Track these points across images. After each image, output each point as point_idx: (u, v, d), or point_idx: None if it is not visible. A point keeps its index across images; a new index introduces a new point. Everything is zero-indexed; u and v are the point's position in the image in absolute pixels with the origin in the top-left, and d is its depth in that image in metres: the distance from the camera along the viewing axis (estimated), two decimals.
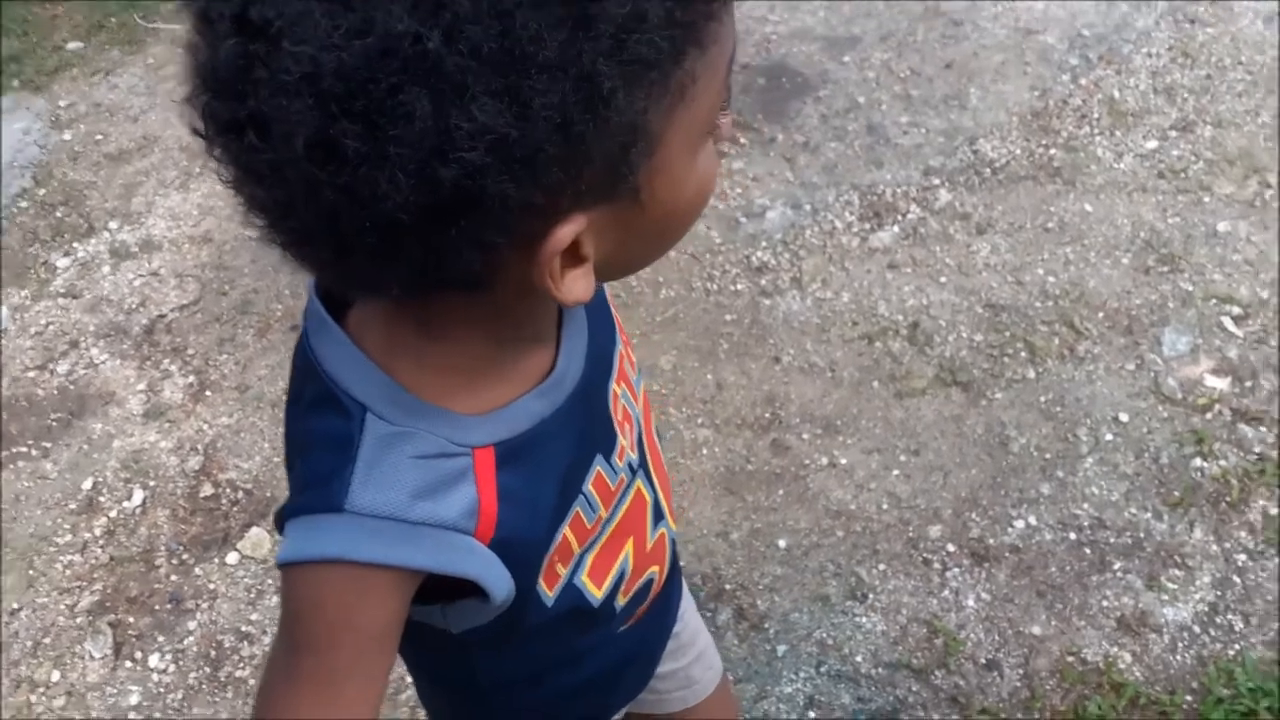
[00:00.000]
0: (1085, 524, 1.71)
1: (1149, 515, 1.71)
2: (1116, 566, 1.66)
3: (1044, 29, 2.54)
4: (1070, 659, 1.57)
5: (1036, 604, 1.63)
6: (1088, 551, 1.68)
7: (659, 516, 0.77)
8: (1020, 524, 1.72)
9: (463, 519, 0.56)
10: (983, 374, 1.91)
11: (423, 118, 0.41)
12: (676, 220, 0.55)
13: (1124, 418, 1.83)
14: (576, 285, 0.51)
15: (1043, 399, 1.86)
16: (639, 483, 0.72)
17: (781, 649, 1.60)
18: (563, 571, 0.66)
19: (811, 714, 1.54)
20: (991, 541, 1.70)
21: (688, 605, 0.99)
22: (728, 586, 1.67)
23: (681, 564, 1.68)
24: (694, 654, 1.00)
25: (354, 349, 0.56)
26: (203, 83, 0.44)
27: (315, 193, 0.43)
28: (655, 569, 0.78)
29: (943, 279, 2.06)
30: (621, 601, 0.74)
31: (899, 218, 2.19)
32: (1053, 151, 2.27)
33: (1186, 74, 2.41)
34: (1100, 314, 1.98)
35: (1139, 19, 2.55)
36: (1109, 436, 1.81)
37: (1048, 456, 1.79)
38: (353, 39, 0.40)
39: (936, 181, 2.25)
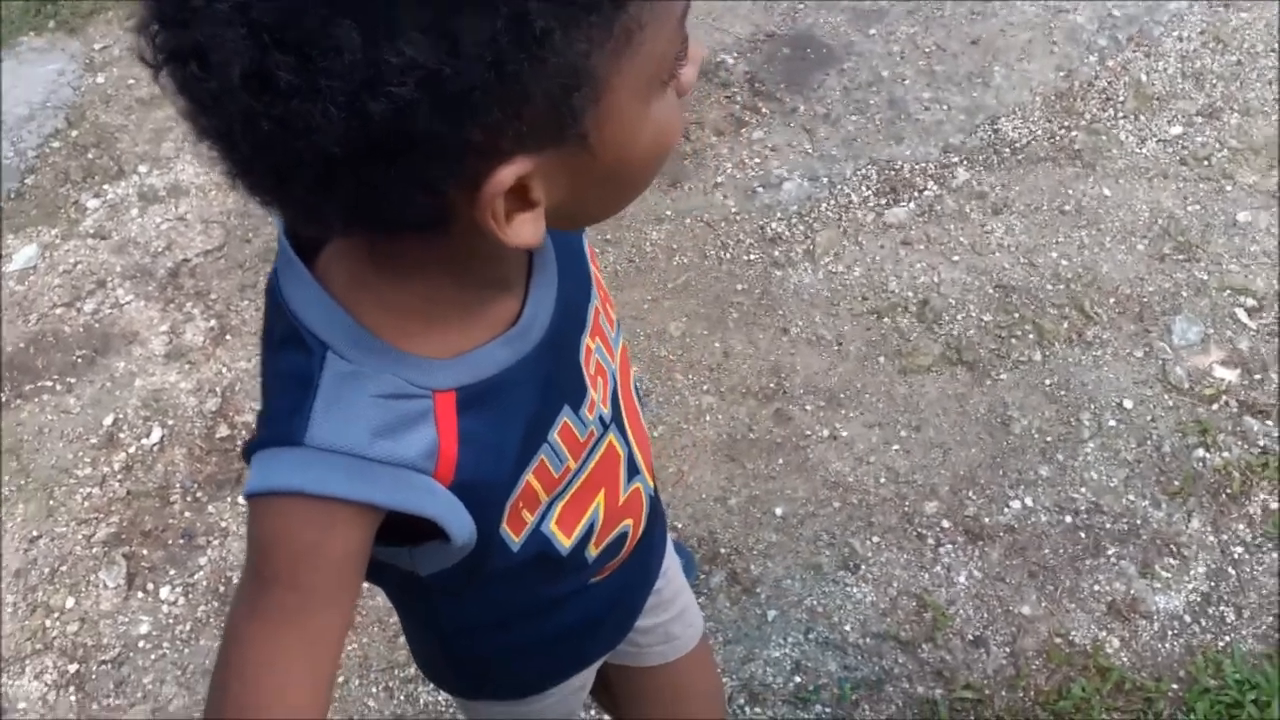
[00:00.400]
0: (1082, 508, 1.73)
1: (1147, 503, 1.72)
2: (1110, 552, 1.68)
3: (1074, 7, 2.51)
4: (1058, 640, 1.59)
5: (1028, 584, 1.65)
6: (1083, 535, 1.70)
7: (634, 471, 0.79)
8: (1017, 505, 1.73)
9: (421, 459, 0.57)
10: (989, 354, 1.91)
11: (352, 50, 0.42)
12: (632, 169, 0.55)
13: (1128, 404, 1.83)
14: (524, 229, 0.51)
15: (1048, 382, 1.87)
16: (611, 436, 0.74)
17: (772, 614, 1.63)
18: (529, 518, 0.68)
19: (797, 679, 1.57)
20: (987, 520, 1.72)
21: (671, 563, 1.02)
22: (723, 550, 1.70)
23: (679, 525, 1.72)
24: (675, 610, 1.03)
25: (318, 288, 0.57)
26: (149, 12, 0.46)
27: (252, 123, 0.44)
28: (629, 522, 0.80)
29: (955, 258, 2.07)
30: (593, 552, 0.76)
31: (915, 194, 2.18)
32: (1075, 134, 2.26)
33: (1217, 59, 2.38)
34: (1112, 299, 1.97)
35: (1172, 1, 2.52)
36: (1112, 422, 1.81)
37: (1049, 439, 1.80)
38: None
39: (955, 159, 2.24)
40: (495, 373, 0.60)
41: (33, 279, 2.25)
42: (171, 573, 1.74)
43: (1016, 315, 1.96)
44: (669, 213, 2.21)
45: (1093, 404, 1.84)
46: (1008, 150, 2.25)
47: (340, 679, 1.59)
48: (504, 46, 0.43)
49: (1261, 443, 1.78)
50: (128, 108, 2.63)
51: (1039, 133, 2.27)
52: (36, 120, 2.62)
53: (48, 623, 1.70)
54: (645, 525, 0.83)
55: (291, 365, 0.57)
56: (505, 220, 0.50)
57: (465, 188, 0.48)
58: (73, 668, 1.65)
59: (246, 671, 0.56)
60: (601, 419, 0.72)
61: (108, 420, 1.96)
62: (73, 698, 1.62)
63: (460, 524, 0.60)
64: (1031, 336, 1.93)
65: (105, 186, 2.44)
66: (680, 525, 1.73)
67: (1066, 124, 2.28)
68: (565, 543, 0.72)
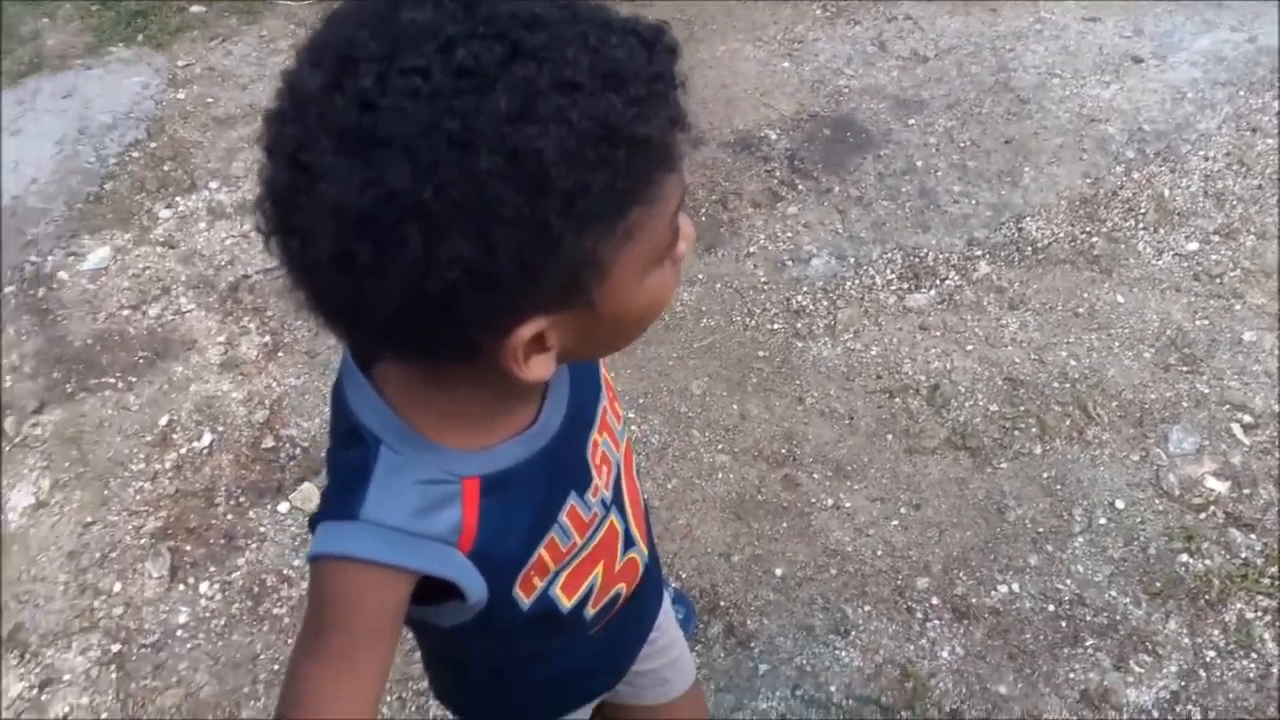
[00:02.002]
0: (1065, 599, 1.82)
1: (1128, 600, 1.81)
2: (1089, 643, 1.76)
3: (1107, 118, 2.63)
4: None
5: (1007, 665, 1.74)
6: (1064, 625, 1.79)
7: (629, 544, 0.92)
8: (1004, 589, 1.83)
9: (449, 533, 0.70)
10: (992, 443, 2.02)
11: (414, 246, 0.55)
12: (629, 323, 0.69)
13: (1120, 505, 1.93)
14: (539, 367, 0.65)
15: (1045, 475, 1.97)
16: (612, 517, 0.87)
17: (763, 668, 1.73)
18: (539, 584, 0.81)
19: None
20: (974, 600, 1.81)
21: (667, 616, 1.14)
22: (722, 603, 1.81)
23: (683, 576, 1.83)
24: (669, 658, 1.15)
25: (374, 395, 0.71)
26: (265, 192, 0.60)
27: (334, 289, 0.59)
28: (622, 586, 0.93)
29: (969, 347, 2.18)
30: (590, 611, 0.89)
31: (937, 282, 2.30)
32: (1095, 240, 2.37)
33: (1239, 181, 2.49)
34: (1114, 403, 2.08)
35: (1202, 121, 2.63)
36: (1102, 520, 1.91)
37: (1040, 530, 1.90)
38: (368, 188, 0.54)
39: (978, 253, 2.36)
40: (511, 465, 0.74)
41: (104, 279, 2.40)
42: (211, 569, 1.87)
43: (1022, 408, 2.07)
44: (701, 276, 2.34)
45: (1086, 500, 1.93)
46: (1029, 249, 2.36)
47: None
48: (528, 248, 0.56)
49: (1244, 554, 1.86)
50: (204, 125, 2.80)
51: (1061, 235, 2.38)
52: (119, 129, 2.80)
53: (95, 604, 1.83)
54: (637, 586, 0.96)
55: (352, 457, 0.71)
56: (524, 360, 0.64)
57: (492, 337, 0.62)
58: (115, 648, 1.78)
59: (306, 702, 0.69)
60: (604, 501, 0.86)
61: (163, 421, 2.10)
62: (113, 675, 1.75)
63: (474, 586, 0.73)
64: (1034, 430, 2.04)
65: (177, 198, 2.60)
66: (684, 576, 1.84)
67: (1088, 229, 2.40)
68: (566, 603, 0.85)
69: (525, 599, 0.80)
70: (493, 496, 0.72)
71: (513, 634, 0.85)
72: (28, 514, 1.97)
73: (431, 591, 0.72)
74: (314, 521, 0.71)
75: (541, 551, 0.79)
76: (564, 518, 0.80)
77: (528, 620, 0.82)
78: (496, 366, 0.64)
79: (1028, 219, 2.42)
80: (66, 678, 1.75)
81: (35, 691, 1.74)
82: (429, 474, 0.70)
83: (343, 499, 0.69)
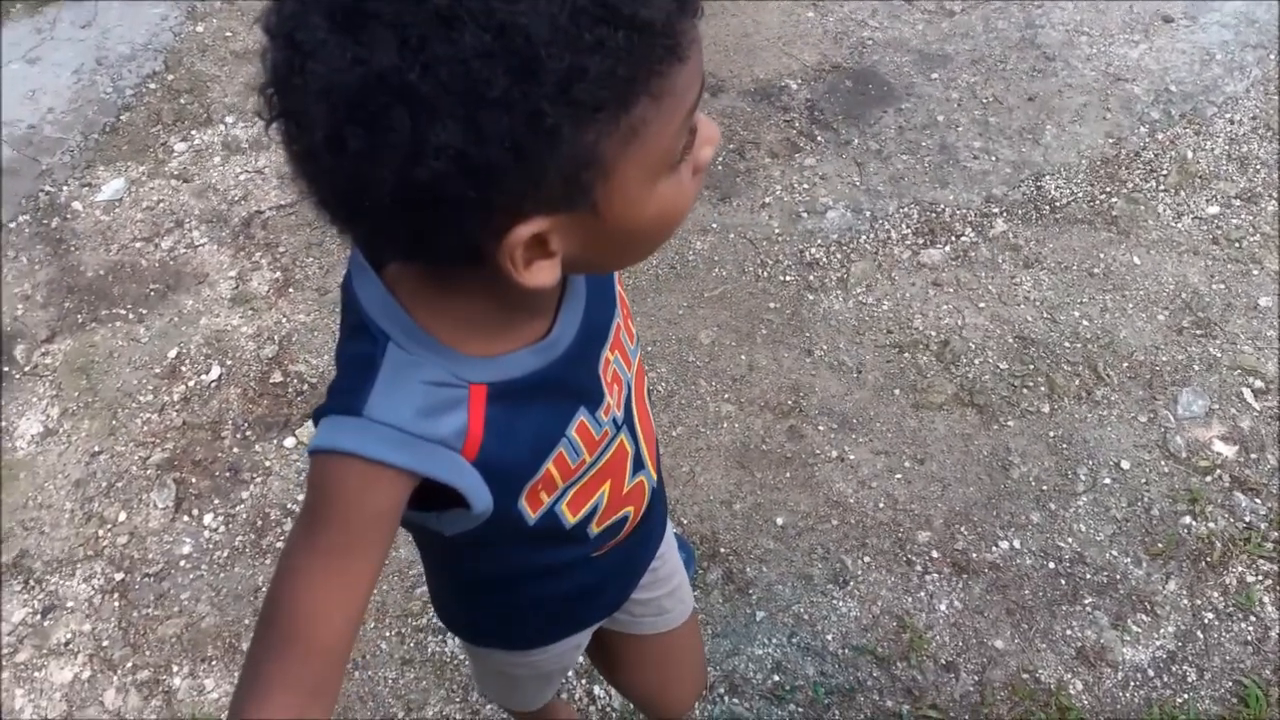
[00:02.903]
0: (1066, 557, 1.82)
1: (1129, 560, 1.81)
2: (1087, 601, 1.77)
3: (1133, 78, 2.58)
4: (1025, 676, 1.69)
5: (1004, 620, 1.75)
6: (1063, 582, 1.79)
7: (639, 466, 0.91)
8: (1004, 545, 1.83)
9: (452, 438, 0.69)
10: (1000, 400, 2.01)
11: (402, 130, 0.53)
12: (639, 235, 0.66)
13: (1125, 465, 1.92)
14: (541, 274, 0.62)
15: (1052, 434, 1.96)
16: (623, 436, 0.86)
17: (760, 615, 1.75)
18: (546, 499, 0.80)
19: (776, 677, 1.69)
20: (974, 556, 1.82)
21: (669, 546, 1.14)
22: (722, 550, 1.81)
23: (684, 522, 1.84)
24: (669, 588, 1.15)
25: (383, 290, 0.69)
26: (267, 77, 0.59)
27: (329, 174, 0.57)
28: (630, 509, 0.92)
29: (981, 304, 2.16)
30: (595, 530, 0.88)
31: (952, 239, 2.28)
32: (1114, 200, 2.34)
33: (1264, 146, 2.44)
34: (1125, 364, 2.06)
35: (1230, 84, 2.58)
36: (1107, 480, 1.90)
37: (1044, 488, 1.90)
38: (355, 65, 0.52)
39: (995, 210, 2.33)
40: (522, 375, 0.73)
41: (118, 211, 2.41)
42: (216, 502, 1.89)
43: (1031, 367, 2.06)
44: (715, 225, 2.32)
45: (1091, 460, 1.93)
46: (1047, 208, 2.33)
47: None
48: (520, 136, 0.54)
49: (1247, 518, 1.86)
50: (222, 59, 2.78)
51: (1080, 195, 2.35)
52: (137, 60, 2.78)
53: (100, 532, 1.86)
54: (645, 512, 0.96)
55: (359, 351, 0.70)
56: (525, 265, 0.62)
57: (491, 237, 0.60)
58: (118, 576, 1.80)
59: (297, 590, 0.68)
60: (615, 421, 0.84)
61: (172, 353, 2.11)
62: (116, 604, 1.77)
63: (479, 495, 0.72)
64: (1043, 389, 2.03)
65: (193, 131, 2.59)
66: (686, 522, 1.85)
67: (1108, 190, 2.36)
68: (570, 520, 0.84)
69: (531, 513, 0.79)
70: (500, 405, 0.71)
71: (516, 547, 0.84)
72: (36, 441, 1.99)
73: (435, 497, 0.71)
74: (317, 414, 0.70)
75: (550, 466, 0.77)
76: (573, 433, 0.79)
77: (531, 534, 0.81)
78: (500, 271, 0.62)
79: (1047, 177, 2.39)
80: (70, 604, 1.78)
81: (38, 617, 1.77)
82: (436, 375, 0.68)
83: (347, 394, 0.68)
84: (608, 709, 1.67)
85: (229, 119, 2.60)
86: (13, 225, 2.38)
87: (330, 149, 0.55)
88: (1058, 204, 2.34)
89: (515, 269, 0.61)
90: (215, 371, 2.08)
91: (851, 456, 1.93)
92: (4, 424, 2.02)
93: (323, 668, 0.65)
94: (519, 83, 0.53)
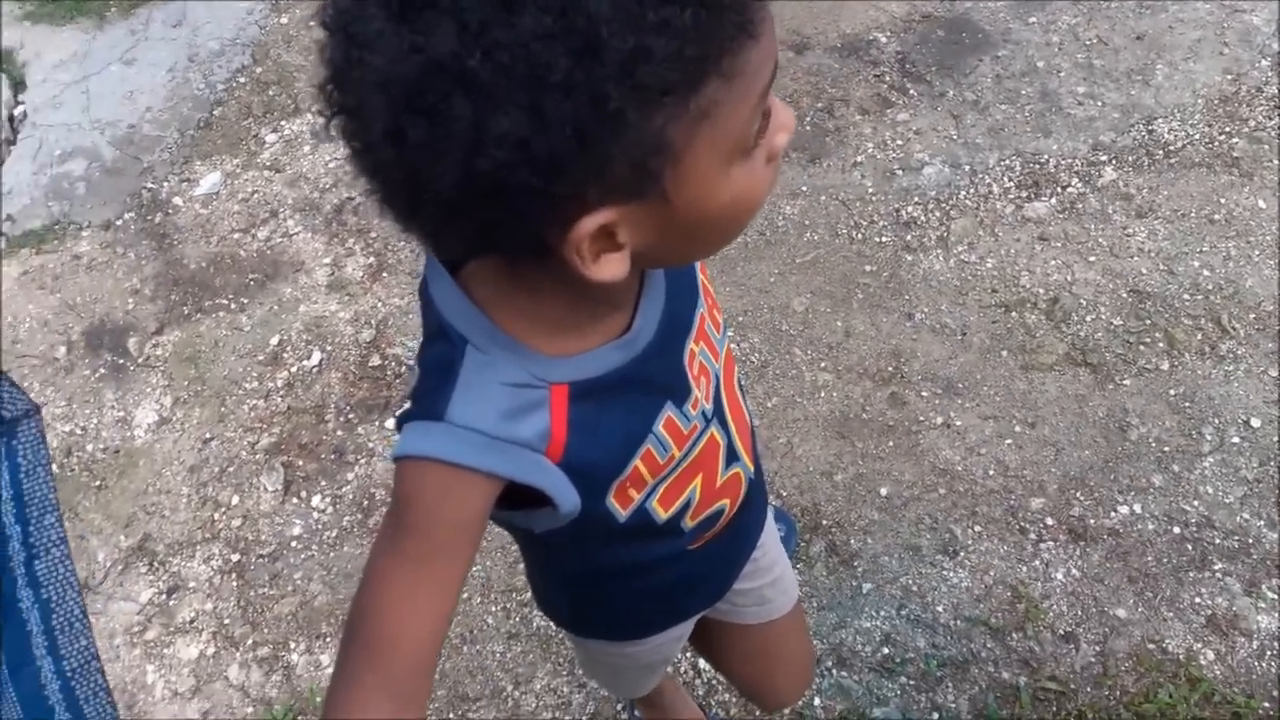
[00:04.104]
0: (1192, 521, 1.73)
1: (1262, 523, 1.71)
2: (1217, 567, 1.68)
3: (1251, 8, 2.41)
4: (1151, 646, 1.62)
5: (1126, 589, 1.68)
6: (1189, 548, 1.70)
7: (733, 458, 0.88)
8: (1124, 510, 1.75)
9: (536, 440, 0.67)
10: (1115, 358, 1.91)
11: (463, 119, 0.51)
12: (712, 224, 0.62)
13: (1255, 423, 1.81)
14: (609, 267, 0.60)
15: (1173, 392, 1.86)
16: (713, 429, 0.83)
17: (867, 587, 1.71)
18: (636, 496, 0.78)
19: (885, 650, 1.65)
20: (1092, 522, 1.74)
21: (770, 536, 1.11)
22: (825, 522, 1.77)
23: (783, 494, 1.80)
24: (770, 578, 1.12)
25: (459, 293, 0.68)
26: (325, 75, 0.57)
27: (390, 169, 0.55)
28: (725, 502, 0.89)
29: (1092, 258, 2.06)
30: (689, 524, 0.86)
31: (1058, 190, 2.17)
32: (1235, 141, 2.19)
33: None
34: (1252, 315, 1.94)
35: None
36: (1235, 439, 1.80)
37: (1166, 449, 1.80)
38: (413, 54, 0.50)
39: (1104, 158, 2.21)
40: (604, 373, 0.71)
41: (215, 204, 2.47)
42: (323, 484, 1.93)
43: (1148, 322, 1.95)
44: (804, 188, 2.26)
45: (1217, 418, 1.82)
46: (1160, 153, 2.20)
47: (464, 596, 1.74)
48: (584, 121, 0.51)
49: None
50: (306, 49, 2.82)
51: (1196, 137, 2.21)
52: (226, 55, 2.84)
53: (215, 516, 1.92)
54: (742, 504, 0.93)
55: (438, 355, 0.69)
56: (593, 258, 0.59)
57: (557, 229, 0.57)
58: (235, 557, 1.86)
59: (383, 598, 0.67)
60: (704, 414, 0.82)
61: (274, 340, 2.16)
62: (234, 584, 1.83)
63: (565, 495, 0.71)
64: (1161, 345, 1.92)
65: (282, 122, 2.63)
66: (785, 494, 1.81)
67: (1227, 130, 2.22)
68: (662, 515, 0.82)
69: (621, 511, 0.78)
70: (583, 404, 0.69)
71: (610, 545, 0.83)
72: (152, 430, 2.06)
73: (522, 496, 0.70)
74: (400, 420, 0.69)
75: (638, 463, 0.76)
76: (660, 429, 0.77)
77: (624, 530, 0.80)
78: (567, 266, 0.60)
79: (1159, 120, 2.25)
80: (191, 585, 1.84)
81: (163, 597, 1.84)
82: (516, 376, 0.67)
83: (429, 399, 0.67)
84: (714, 682, 1.65)
85: (315, 108, 2.64)
86: (119, 223, 2.46)
87: (390, 142, 0.53)
88: (1172, 148, 2.20)
89: (583, 262, 0.59)
90: (316, 357, 2.12)
91: (958, 423, 1.87)
92: (123, 414, 2.10)
93: (411, 674, 0.65)
94: (581, 66, 0.50)
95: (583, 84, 0.50)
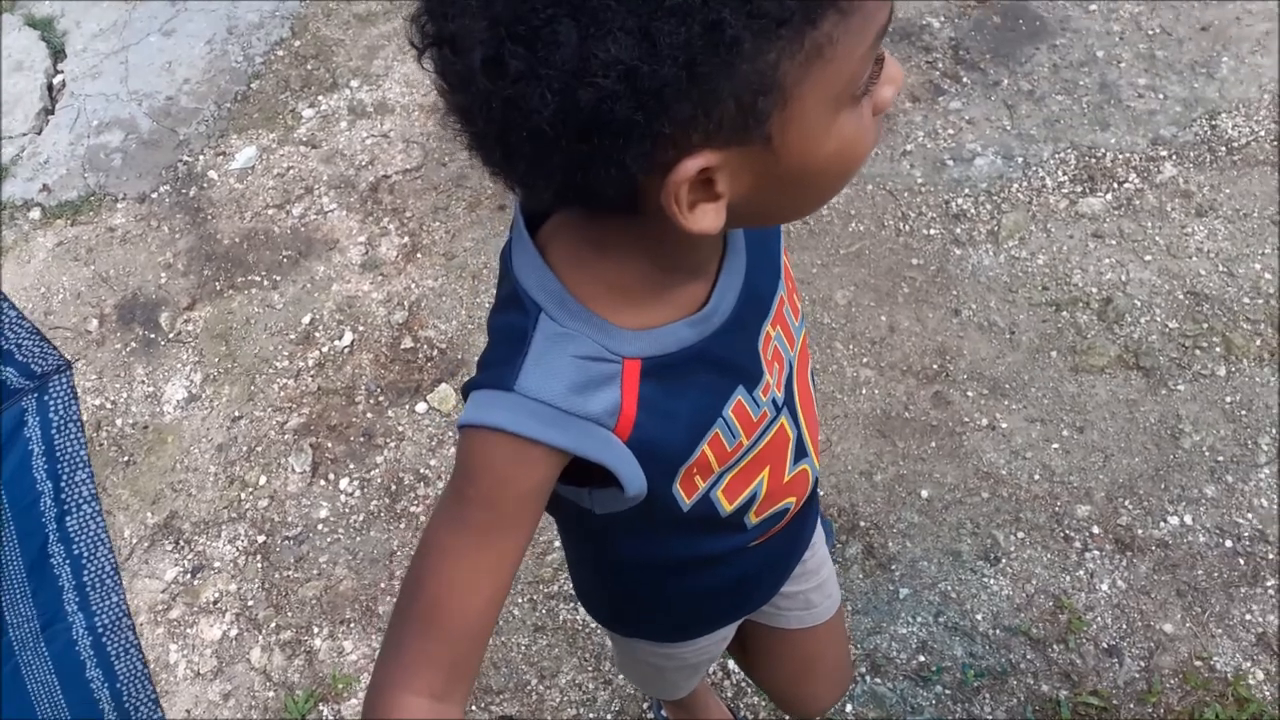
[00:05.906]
0: (1245, 534, 1.66)
1: None
2: (1270, 584, 1.62)
3: None
4: (1198, 663, 1.56)
5: (1174, 603, 1.62)
6: (1241, 562, 1.64)
7: (801, 453, 0.83)
8: (1174, 520, 1.69)
9: (605, 415, 0.65)
10: (1169, 362, 1.84)
11: (568, 45, 0.49)
12: (815, 175, 0.59)
13: None
14: (706, 218, 0.57)
15: (1229, 399, 1.79)
16: (783, 419, 0.79)
17: (904, 592, 1.66)
18: (701, 484, 0.75)
19: (921, 657, 1.60)
20: (1140, 532, 1.68)
21: (818, 537, 1.06)
22: (862, 524, 1.73)
23: (820, 493, 1.76)
24: (817, 581, 1.08)
25: (539, 259, 0.66)
26: (421, 5, 0.54)
27: (488, 102, 0.52)
28: (792, 500, 0.85)
29: (1148, 257, 1.98)
30: (753, 520, 0.82)
31: (1115, 185, 2.09)
32: None
33: None
34: None
35: None
36: None
37: (1220, 459, 1.73)
38: None
39: (1164, 153, 2.13)
40: (677, 349, 0.67)
41: (250, 179, 2.44)
42: (351, 466, 1.91)
43: (1205, 325, 1.88)
44: None
45: (1275, 428, 1.75)
46: (1223, 149, 2.12)
47: None
48: (697, 50, 0.49)
49: None
50: (345, 23, 2.78)
51: (1262, 134, 2.12)
52: (265, 28, 2.81)
53: (242, 495, 1.90)
54: (804, 503, 0.88)
55: (511, 322, 0.66)
56: (689, 208, 0.56)
57: (655, 173, 0.54)
58: (260, 538, 1.84)
59: (443, 568, 0.65)
60: (775, 401, 0.77)
61: (306, 319, 2.14)
62: (259, 565, 1.82)
63: (632, 475, 0.68)
64: (1219, 349, 1.85)
65: (320, 97, 2.60)
66: (822, 493, 1.76)
67: None
68: (727, 508, 0.78)
69: (686, 499, 0.74)
70: (654, 381, 0.67)
71: (670, 535, 0.80)
72: (181, 406, 2.04)
73: (588, 474, 0.67)
74: (467, 387, 0.67)
75: (705, 448, 0.72)
76: (729, 413, 0.73)
77: (687, 521, 0.76)
78: (661, 219, 0.57)
79: (1223, 115, 2.16)
80: (216, 565, 1.83)
81: (188, 576, 1.83)
82: (588, 349, 0.65)
83: (498, 367, 0.65)
84: (743, 684, 1.61)
85: (354, 83, 2.61)
86: (154, 195, 2.44)
87: (488, 73, 0.51)
88: (1235, 144, 2.12)
89: (679, 210, 0.56)
90: (348, 337, 2.09)
91: (1003, 424, 1.81)
92: (153, 389, 2.08)
93: (465, 646, 0.64)
94: None
95: (699, 9, 0.48)
